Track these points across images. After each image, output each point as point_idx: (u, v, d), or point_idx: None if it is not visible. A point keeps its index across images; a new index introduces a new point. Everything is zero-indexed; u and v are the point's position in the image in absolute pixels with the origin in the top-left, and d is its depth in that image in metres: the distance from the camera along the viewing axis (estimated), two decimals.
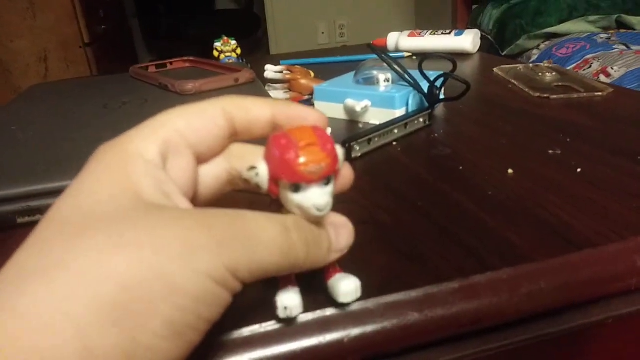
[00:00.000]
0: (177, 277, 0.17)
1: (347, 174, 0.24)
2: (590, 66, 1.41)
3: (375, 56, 0.56)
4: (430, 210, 0.33)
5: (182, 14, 3.52)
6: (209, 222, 0.18)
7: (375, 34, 1.00)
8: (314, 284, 0.24)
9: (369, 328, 0.24)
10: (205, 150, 0.23)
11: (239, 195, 0.26)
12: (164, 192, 0.20)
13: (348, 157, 0.43)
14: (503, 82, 0.67)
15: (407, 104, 0.52)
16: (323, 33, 2.97)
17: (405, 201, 0.35)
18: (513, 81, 0.66)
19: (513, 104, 0.57)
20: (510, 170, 0.38)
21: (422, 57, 0.53)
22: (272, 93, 0.67)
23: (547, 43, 1.73)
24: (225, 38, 0.82)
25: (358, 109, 0.52)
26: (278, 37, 2.93)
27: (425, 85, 0.52)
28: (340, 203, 0.24)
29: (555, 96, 0.58)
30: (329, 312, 0.24)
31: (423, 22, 2.91)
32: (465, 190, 0.36)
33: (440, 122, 0.52)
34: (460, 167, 0.40)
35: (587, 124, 0.48)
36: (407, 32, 0.92)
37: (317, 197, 0.21)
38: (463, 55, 0.87)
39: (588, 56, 1.46)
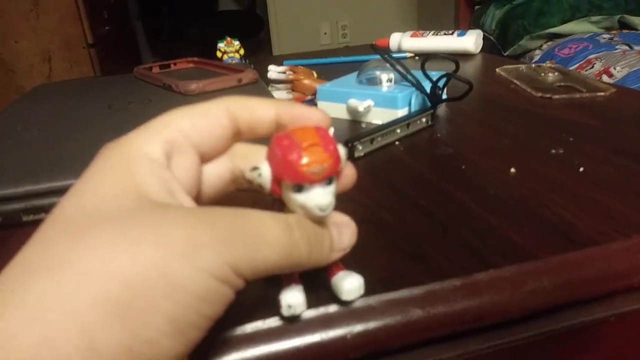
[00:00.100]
0: (180, 275, 0.17)
1: (349, 173, 0.24)
2: (593, 66, 1.41)
3: (378, 56, 0.56)
4: (432, 209, 0.33)
5: (184, 15, 3.53)
6: (212, 220, 0.19)
7: (378, 35, 1.00)
8: (316, 281, 0.24)
9: (371, 325, 0.24)
10: (209, 150, 0.23)
11: (242, 195, 0.26)
12: (168, 190, 0.20)
13: (351, 157, 0.43)
14: (505, 82, 0.67)
15: (410, 104, 0.52)
16: (325, 34, 2.97)
17: (408, 200, 0.35)
18: (515, 81, 0.66)
19: (515, 104, 0.57)
20: (512, 170, 0.38)
21: (425, 58, 0.53)
22: (275, 93, 0.67)
23: (549, 43, 1.73)
24: (229, 39, 0.83)
25: (361, 108, 0.52)
26: (280, 38, 2.94)
27: (427, 86, 0.52)
28: (343, 202, 0.24)
29: (557, 96, 0.58)
30: (332, 308, 0.24)
31: (425, 23, 2.91)
32: (467, 190, 0.36)
33: (443, 122, 0.52)
34: (463, 167, 0.40)
35: (589, 124, 0.48)
36: (409, 33, 0.92)
37: (319, 197, 0.21)
38: (465, 55, 0.87)
39: (590, 56, 1.46)
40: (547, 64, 0.74)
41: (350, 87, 0.56)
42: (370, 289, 0.24)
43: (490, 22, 1.94)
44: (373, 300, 0.24)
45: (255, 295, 0.24)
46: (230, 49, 0.82)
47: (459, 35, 0.88)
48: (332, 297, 0.24)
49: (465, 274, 0.26)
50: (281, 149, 0.21)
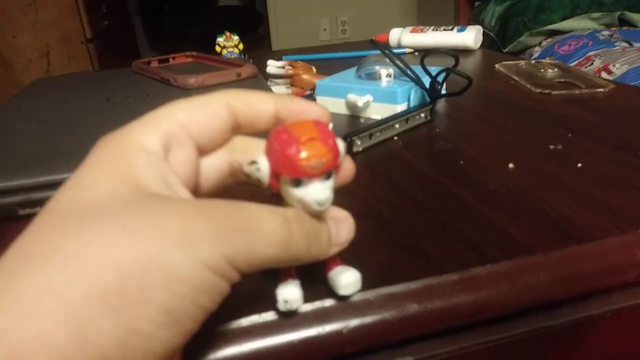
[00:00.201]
0: (176, 266, 0.17)
1: (348, 167, 0.24)
2: (592, 63, 1.40)
3: (377, 52, 0.56)
4: (431, 204, 0.33)
5: (185, 12, 3.52)
6: (209, 212, 0.18)
7: (377, 31, 1.00)
8: (313, 275, 0.24)
9: (367, 319, 0.24)
10: (207, 143, 0.23)
11: (240, 188, 0.26)
12: (166, 182, 0.20)
13: (349, 152, 0.43)
14: (505, 78, 0.67)
15: (409, 99, 0.52)
16: (325, 29, 2.96)
17: (407, 195, 0.35)
18: (515, 77, 0.66)
19: (514, 100, 0.57)
20: (511, 165, 0.38)
21: (424, 53, 0.53)
22: (274, 88, 0.67)
23: (549, 40, 1.73)
24: (228, 33, 0.83)
25: (360, 103, 0.52)
26: (280, 34, 2.93)
27: (427, 81, 0.52)
28: (342, 196, 0.24)
29: (556, 92, 0.58)
30: (328, 303, 0.24)
31: (425, 19, 2.90)
32: (466, 185, 0.36)
33: (442, 118, 0.52)
34: (461, 162, 0.40)
35: (588, 120, 0.48)
36: (409, 28, 0.92)
37: (318, 191, 0.21)
38: (465, 51, 0.86)
39: (590, 53, 1.45)
40: (547, 60, 0.74)
41: (349, 82, 0.55)
42: (367, 283, 0.24)
43: (490, 19, 1.94)
44: (370, 294, 0.24)
45: (251, 288, 0.24)
46: (229, 43, 0.81)
47: (458, 30, 0.87)
48: (328, 291, 0.24)
49: (463, 269, 0.26)
50: (279, 143, 0.21)
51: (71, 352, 0.15)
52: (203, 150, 0.23)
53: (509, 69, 0.70)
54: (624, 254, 0.27)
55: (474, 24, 0.88)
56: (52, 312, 0.15)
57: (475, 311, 0.25)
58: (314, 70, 0.68)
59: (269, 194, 0.23)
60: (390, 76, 0.54)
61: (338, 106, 0.55)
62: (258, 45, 3.43)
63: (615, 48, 1.43)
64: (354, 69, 0.59)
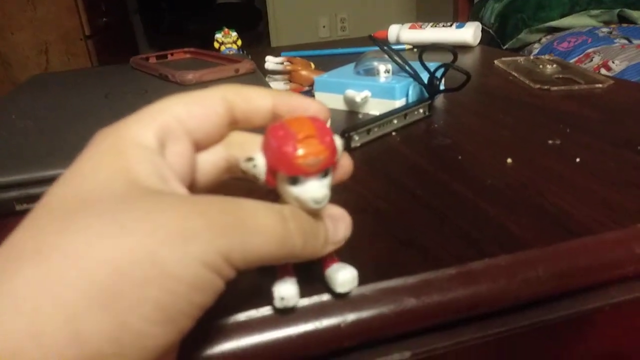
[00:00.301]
0: (171, 263, 0.17)
1: (346, 164, 0.24)
2: (592, 60, 1.40)
3: (375, 48, 0.55)
4: (429, 199, 0.33)
5: (184, 8, 3.51)
6: (204, 209, 0.18)
7: (377, 28, 1.00)
8: (311, 270, 0.24)
9: (365, 313, 0.24)
10: (204, 138, 0.23)
11: (237, 183, 0.26)
12: (161, 177, 0.20)
13: (347, 147, 0.43)
14: (504, 74, 0.67)
15: (407, 95, 0.52)
16: (324, 27, 2.96)
17: (404, 190, 0.35)
18: (514, 73, 0.66)
19: (513, 96, 0.57)
20: (509, 160, 0.38)
21: (423, 48, 0.52)
22: (272, 84, 0.67)
23: (548, 37, 1.72)
24: (226, 29, 0.82)
25: (358, 99, 0.52)
26: (279, 31, 2.93)
27: (425, 77, 0.52)
28: (339, 192, 0.24)
29: (555, 88, 0.58)
30: (326, 297, 0.24)
31: (424, 16, 2.90)
32: (464, 180, 0.36)
33: (440, 113, 0.52)
34: (460, 157, 0.40)
35: (587, 115, 0.48)
36: (408, 25, 0.92)
37: (315, 189, 0.21)
38: (464, 47, 0.86)
39: (589, 50, 1.45)
40: (546, 56, 0.74)
41: (347, 78, 0.55)
42: (365, 278, 0.24)
43: (490, 16, 1.93)
44: (367, 289, 0.24)
45: (249, 283, 0.24)
46: (227, 39, 0.81)
47: (457, 27, 0.87)
48: (326, 285, 0.24)
49: (461, 263, 0.26)
50: (276, 140, 0.20)
51: (65, 349, 0.15)
52: (200, 146, 0.23)
53: (508, 65, 0.70)
54: (623, 249, 0.27)
55: (473, 21, 0.88)
56: (46, 310, 0.15)
57: (474, 305, 0.25)
58: (312, 66, 0.67)
59: (267, 190, 0.23)
60: (388, 72, 0.54)
61: (336, 102, 0.55)
62: (257, 42, 3.43)
63: (615, 45, 1.42)
64: (352, 65, 0.59)
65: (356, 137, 0.44)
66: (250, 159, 0.21)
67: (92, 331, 0.15)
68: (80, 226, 0.17)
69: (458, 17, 2.33)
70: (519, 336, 0.27)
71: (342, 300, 0.24)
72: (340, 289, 0.23)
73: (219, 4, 3.75)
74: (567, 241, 0.27)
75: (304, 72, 0.65)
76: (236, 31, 0.84)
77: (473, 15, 2.13)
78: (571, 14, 1.71)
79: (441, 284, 0.25)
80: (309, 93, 0.60)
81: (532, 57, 0.73)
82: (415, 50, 0.88)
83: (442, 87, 0.53)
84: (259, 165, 0.21)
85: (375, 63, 0.55)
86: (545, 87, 0.58)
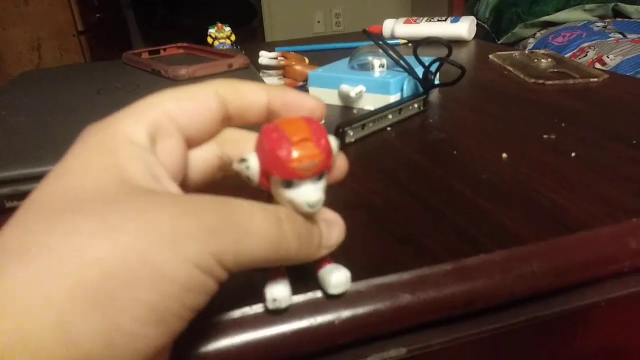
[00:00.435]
0: (163, 264, 0.16)
1: (341, 164, 0.23)
2: (586, 55, 1.40)
3: (370, 42, 0.55)
4: (424, 194, 0.33)
5: (177, 3, 3.49)
6: (198, 209, 0.18)
7: (372, 23, 0.99)
8: (305, 267, 0.24)
9: (360, 310, 0.23)
10: (196, 134, 0.22)
11: (230, 180, 0.26)
12: (153, 175, 0.19)
13: (342, 143, 0.43)
14: (499, 69, 0.66)
15: (402, 90, 0.52)
16: (319, 22, 2.95)
17: (399, 185, 0.35)
18: (509, 68, 0.65)
19: (508, 90, 0.57)
20: (505, 155, 0.38)
21: (418, 43, 0.52)
22: (266, 80, 0.66)
23: (543, 32, 1.72)
24: (220, 25, 0.82)
25: (353, 94, 0.52)
26: (274, 27, 2.91)
27: (420, 72, 0.51)
28: (334, 188, 0.23)
29: (550, 82, 0.58)
30: (320, 294, 0.24)
31: (419, 10, 2.89)
32: (459, 175, 0.36)
33: (436, 108, 0.52)
34: (455, 152, 0.40)
35: (582, 110, 0.48)
36: (402, 19, 0.92)
37: (309, 193, 0.20)
38: (459, 42, 0.86)
39: (584, 45, 1.45)
40: (541, 51, 0.74)
41: (342, 73, 0.55)
42: (359, 274, 0.24)
43: (485, 10, 1.93)
44: (362, 285, 0.24)
45: (242, 281, 0.24)
46: (221, 35, 0.81)
47: (452, 21, 0.87)
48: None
49: (457, 259, 0.25)
50: (270, 143, 0.20)
51: (55, 351, 0.15)
52: (192, 142, 0.23)
53: (503, 59, 0.70)
54: (618, 244, 0.27)
55: (468, 16, 0.88)
56: (36, 311, 0.15)
57: (469, 301, 0.25)
58: (307, 61, 0.67)
59: (260, 189, 0.23)
60: (383, 67, 0.54)
61: (331, 97, 0.55)
62: (252, 37, 3.42)
63: (610, 39, 1.43)
64: (347, 60, 0.59)
65: (351, 133, 0.44)
66: (243, 161, 0.20)
67: (83, 332, 0.15)
68: (69, 226, 0.16)
69: (453, 12, 2.33)
70: (514, 332, 0.27)
71: (336, 297, 0.24)
72: (334, 290, 0.23)
73: None
74: (562, 236, 0.27)
75: (298, 67, 0.65)
76: (230, 26, 0.83)
77: (468, 10, 2.13)
78: (566, 8, 1.71)
79: (437, 279, 0.25)
80: (304, 88, 0.60)
81: (527, 52, 0.73)
82: (410, 45, 0.87)
83: (437, 82, 0.53)
84: (253, 167, 0.20)
85: (370, 58, 0.55)
86: (541, 81, 0.58)
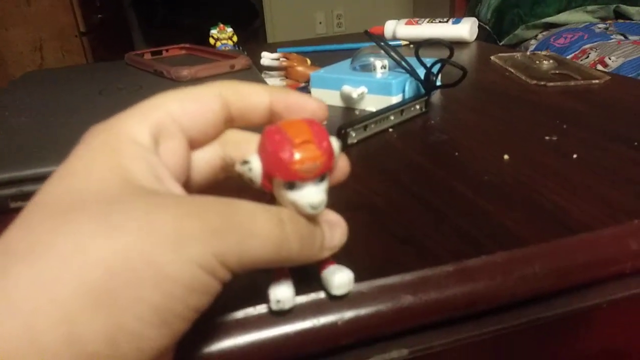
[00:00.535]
0: (166, 265, 0.16)
1: (343, 165, 0.23)
2: (588, 56, 1.40)
3: (372, 43, 0.55)
4: (426, 195, 0.33)
5: (179, 3, 3.49)
6: (200, 210, 0.18)
7: (373, 24, 0.99)
8: (308, 268, 0.24)
9: (362, 311, 0.23)
10: (199, 135, 0.23)
11: (232, 181, 0.26)
12: (156, 176, 0.20)
13: (344, 144, 0.43)
14: (500, 70, 0.66)
15: (404, 91, 0.52)
16: (320, 23, 2.95)
17: (401, 186, 0.35)
18: (510, 69, 0.65)
19: (510, 92, 0.57)
20: (506, 156, 0.38)
21: (419, 44, 0.52)
22: (268, 80, 0.66)
23: (545, 33, 1.72)
24: (222, 25, 0.82)
25: (354, 95, 0.52)
26: (275, 27, 2.91)
27: (422, 72, 0.52)
28: (336, 189, 0.23)
29: (552, 84, 0.58)
30: (323, 295, 0.24)
31: (421, 11, 2.90)
32: (461, 176, 0.36)
33: (437, 109, 0.52)
34: (456, 153, 0.40)
35: (583, 111, 0.48)
36: (404, 20, 0.92)
37: (311, 195, 0.20)
38: (460, 43, 0.86)
39: (586, 46, 1.45)
40: (543, 52, 0.74)
41: (344, 74, 0.55)
42: (361, 275, 0.24)
43: (486, 11, 1.93)
44: (364, 286, 0.24)
45: (245, 281, 0.24)
46: (223, 35, 0.81)
47: (454, 22, 0.87)
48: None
49: (458, 260, 0.26)
50: (273, 145, 0.20)
51: (60, 350, 0.15)
52: (195, 143, 0.23)
53: (504, 61, 0.70)
54: (619, 245, 0.27)
55: (469, 17, 0.88)
56: (41, 310, 0.15)
57: (471, 302, 0.25)
58: (309, 62, 0.67)
59: (262, 190, 0.23)
60: (385, 68, 0.54)
61: (333, 98, 0.55)
62: (253, 38, 3.42)
63: (611, 41, 1.43)
64: (348, 61, 0.59)
65: (353, 134, 0.44)
66: (245, 162, 0.21)
67: (87, 331, 0.15)
68: (73, 226, 0.17)
69: (454, 13, 2.33)
70: (516, 333, 0.27)
71: (339, 298, 0.24)
72: (337, 291, 0.23)
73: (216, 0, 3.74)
74: (564, 238, 0.27)
75: (300, 68, 0.65)
76: (232, 27, 0.83)
77: (469, 11, 2.13)
78: (567, 9, 1.71)
79: (438, 281, 0.25)
80: (305, 89, 0.60)
81: (528, 53, 0.73)
82: (411, 46, 0.87)
83: (438, 83, 0.53)
84: (255, 169, 0.21)
85: (372, 59, 0.55)
86: (542, 83, 0.58)
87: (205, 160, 0.24)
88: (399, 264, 0.26)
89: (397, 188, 0.35)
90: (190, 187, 0.23)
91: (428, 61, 0.52)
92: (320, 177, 0.21)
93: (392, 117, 0.47)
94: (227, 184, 0.25)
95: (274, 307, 0.22)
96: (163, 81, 0.56)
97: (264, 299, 0.23)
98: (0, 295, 0.15)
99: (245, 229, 0.18)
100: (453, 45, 0.50)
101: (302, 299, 0.23)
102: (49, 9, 2.14)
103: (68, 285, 0.15)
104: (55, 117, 0.45)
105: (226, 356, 0.22)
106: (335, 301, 0.24)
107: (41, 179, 0.33)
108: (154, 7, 3.53)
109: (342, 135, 0.43)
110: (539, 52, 0.74)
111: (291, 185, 0.20)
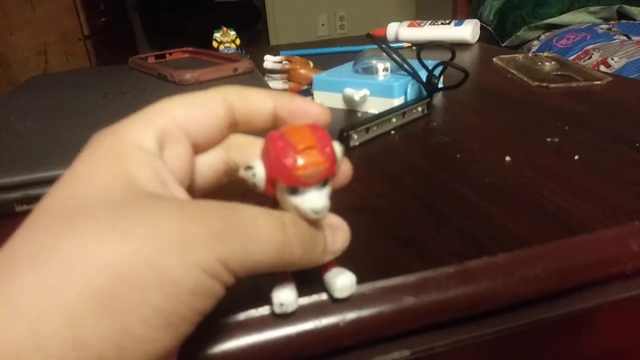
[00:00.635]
0: (170, 269, 0.17)
1: (345, 169, 0.24)
2: (591, 57, 1.40)
3: (374, 46, 0.55)
4: (427, 197, 0.33)
5: (182, 7, 3.51)
6: (205, 215, 0.18)
7: (376, 26, 1.00)
8: (310, 271, 0.24)
9: (364, 312, 0.24)
10: (203, 140, 0.23)
11: (236, 185, 0.26)
12: (161, 181, 0.20)
13: (346, 146, 0.43)
14: (502, 72, 0.67)
15: (406, 93, 0.52)
16: (323, 25, 2.95)
17: (403, 188, 0.35)
18: (512, 71, 0.66)
19: (512, 93, 0.57)
20: (508, 158, 0.38)
21: (421, 46, 0.52)
22: (271, 83, 0.67)
23: (547, 34, 1.72)
24: (225, 29, 0.82)
25: (357, 98, 0.52)
26: (278, 30, 2.92)
27: (424, 75, 0.52)
28: (338, 191, 0.23)
29: (554, 85, 0.58)
30: (325, 296, 0.24)
31: (423, 14, 2.90)
32: (463, 178, 0.36)
33: (439, 111, 0.52)
34: (459, 155, 0.40)
35: (585, 112, 0.48)
36: (406, 23, 0.92)
37: (314, 200, 0.21)
38: (463, 45, 0.86)
39: (588, 47, 1.45)
40: (545, 54, 0.74)
41: (346, 77, 0.55)
42: (363, 277, 0.24)
43: (488, 13, 1.93)
44: (366, 287, 0.24)
45: (248, 283, 0.24)
46: (226, 39, 0.81)
47: (456, 24, 0.87)
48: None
49: (460, 261, 0.26)
50: (276, 150, 0.20)
51: (66, 353, 0.15)
52: (199, 148, 0.23)
53: (506, 62, 0.70)
54: (620, 246, 0.27)
55: (471, 19, 0.88)
56: (47, 314, 0.15)
57: (472, 303, 0.25)
58: (311, 65, 0.67)
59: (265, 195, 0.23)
60: (387, 70, 0.54)
61: (335, 101, 0.55)
62: (256, 41, 3.43)
63: (614, 41, 1.42)
64: (351, 64, 0.59)
65: (355, 136, 0.44)
66: (249, 168, 0.21)
67: (93, 335, 0.15)
68: (79, 230, 0.17)
69: (457, 15, 2.33)
70: (517, 334, 0.27)
71: (341, 300, 0.24)
72: (339, 294, 0.23)
73: (218, 2, 3.74)
74: (565, 239, 0.27)
75: (302, 71, 0.65)
76: (235, 30, 0.83)
77: (472, 12, 2.13)
78: (570, 10, 1.71)
79: (440, 282, 0.25)
80: (308, 92, 0.60)
81: (530, 55, 0.73)
82: (413, 48, 0.88)
83: (440, 85, 0.53)
84: (258, 174, 0.21)
85: (374, 61, 0.55)
86: (544, 84, 0.58)
87: (209, 164, 0.24)
88: (401, 266, 0.26)
89: (399, 190, 0.35)
90: (194, 191, 0.24)
91: (430, 63, 0.52)
92: (323, 182, 0.21)
93: (394, 120, 0.47)
94: (231, 188, 0.25)
95: (277, 310, 0.23)
96: (167, 85, 0.57)
97: (266, 301, 0.23)
98: (5, 300, 0.15)
99: (248, 233, 0.19)
100: (455, 47, 0.51)
101: (304, 300, 0.24)
102: (54, 13, 2.15)
103: (73, 290, 0.15)
104: (60, 120, 0.46)
105: (228, 357, 0.22)
106: (337, 303, 0.24)
107: (46, 182, 0.34)
108: (158, 11, 3.54)
109: (344, 137, 0.43)
110: (541, 53, 0.74)
111: (294, 191, 0.21)
